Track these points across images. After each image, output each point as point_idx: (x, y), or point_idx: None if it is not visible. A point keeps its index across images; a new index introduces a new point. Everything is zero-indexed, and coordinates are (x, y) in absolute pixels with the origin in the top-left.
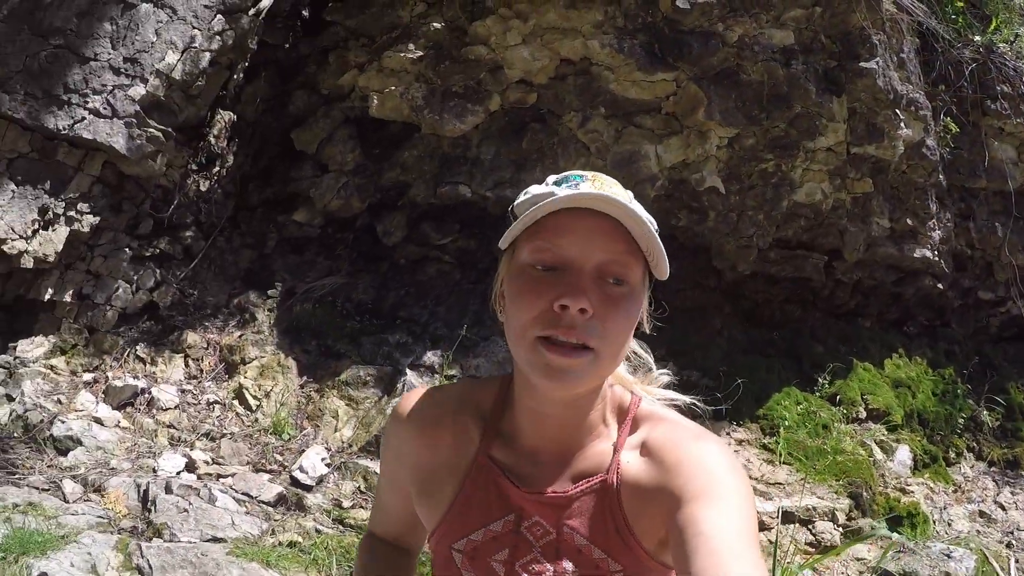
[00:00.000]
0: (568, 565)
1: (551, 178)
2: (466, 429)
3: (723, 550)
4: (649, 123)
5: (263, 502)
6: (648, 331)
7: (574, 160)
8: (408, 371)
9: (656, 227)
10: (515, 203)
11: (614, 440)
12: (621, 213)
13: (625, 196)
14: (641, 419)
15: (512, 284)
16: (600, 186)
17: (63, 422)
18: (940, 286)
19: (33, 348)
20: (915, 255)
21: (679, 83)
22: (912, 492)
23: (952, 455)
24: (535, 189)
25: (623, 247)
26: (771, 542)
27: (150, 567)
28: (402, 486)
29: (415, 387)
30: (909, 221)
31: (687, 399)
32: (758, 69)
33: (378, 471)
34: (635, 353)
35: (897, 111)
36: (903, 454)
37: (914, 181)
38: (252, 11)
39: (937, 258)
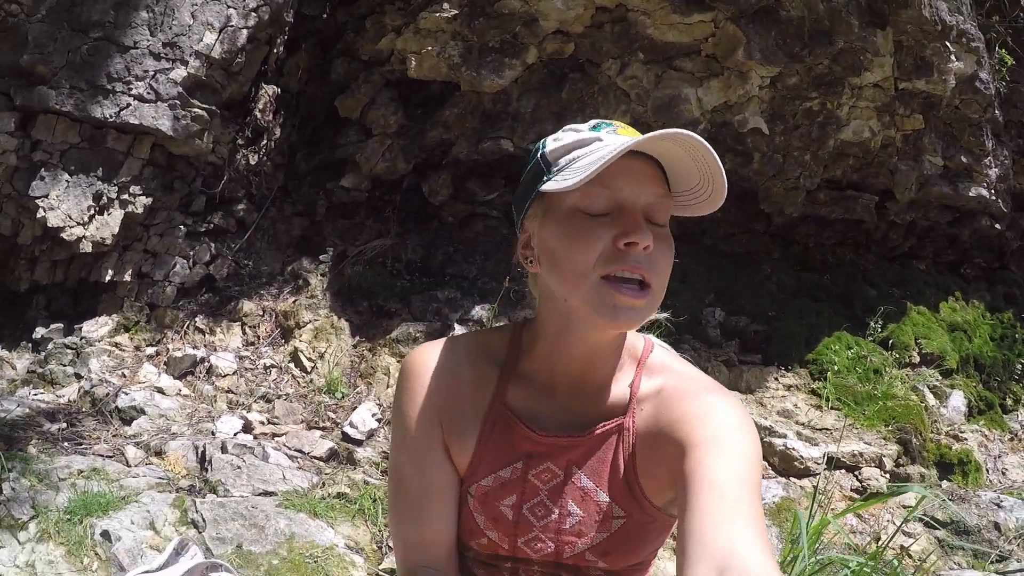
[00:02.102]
0: (573, 507)
1: (581, 126)
2: (483, 375)
3: (722, 495)
4: (689, 66)
5: (315, 457)
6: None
7: (614, 108)
8: (456, 325)
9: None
10: (546, 149)
11: (629, 382)
12: (698, 145)
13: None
14: (656, 367)
15: (561, 228)
16: (629, 133)
17: (127, 394)
18: (998, 226)
19: (98, 328)
20: (970, 194)
21: (717, 23)
22: (965, 439)
23: (1009, 402)
24: (571, 135)
25: (663, 189)
26: (815, 487)
27: (204, 520)
28: (436, 436)
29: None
30: (963, 159)
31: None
32: (797, 4)
33: None
34: None
35: (947, 43)
36: (957, 400)
37: (968, 117)
38: None
39: (994, 197)
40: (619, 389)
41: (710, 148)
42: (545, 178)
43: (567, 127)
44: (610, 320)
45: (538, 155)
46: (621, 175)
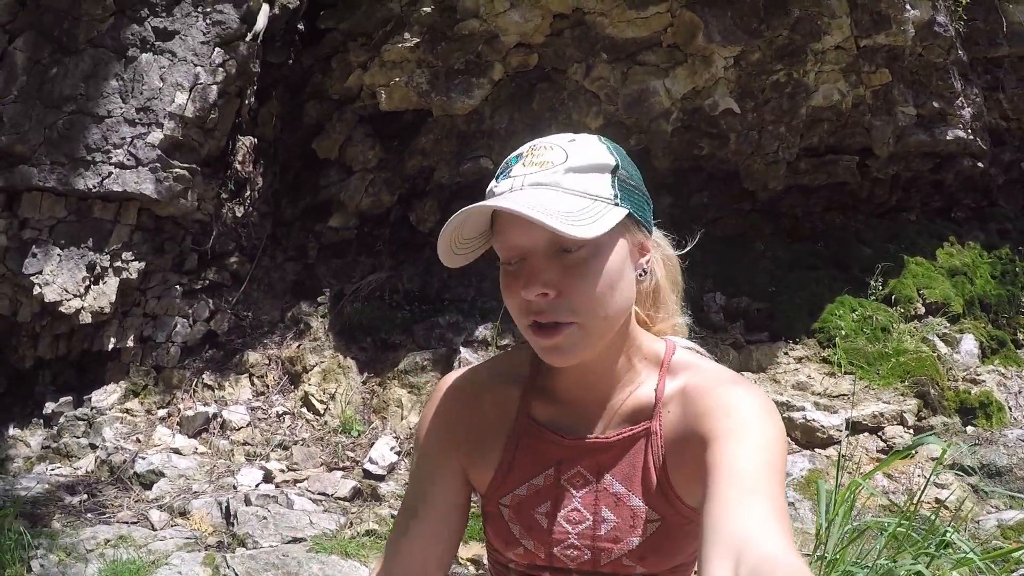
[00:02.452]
0: (607, 513)
1: (499, 168)
2: (506, 394)
3: (740, 482)
4: (652, 59)
5: (339, 498)
6: (676, 252)
7: (586, 111)
8: (462, 348)
9: (610, 165)
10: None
11: (654, 387)
12: (530, 222)
13: (559, 158)
14: (679, 367)
15: (501, 282)
16: (530, 162)
17: (144, 458)
18: (980, 165)
19: (107, 396)
20: (948, 138)
21: (673, 12)
22: (983, 381)
23: (1021, 336)
24: (492, 183)
25: None
26: (842, 455)
27: (236, 575)
28: (450, 457)
29: (471, 363)
30: (935, 104)
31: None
32: None
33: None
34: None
35: None
36: (968, 344)
37: (932, 62)
38: (248, 36)
39: (972, 136)
40: (644, 394)
41: (536, 218)
42: None
43: (505, 160)
44: (547, 360)
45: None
46: (508, 225)
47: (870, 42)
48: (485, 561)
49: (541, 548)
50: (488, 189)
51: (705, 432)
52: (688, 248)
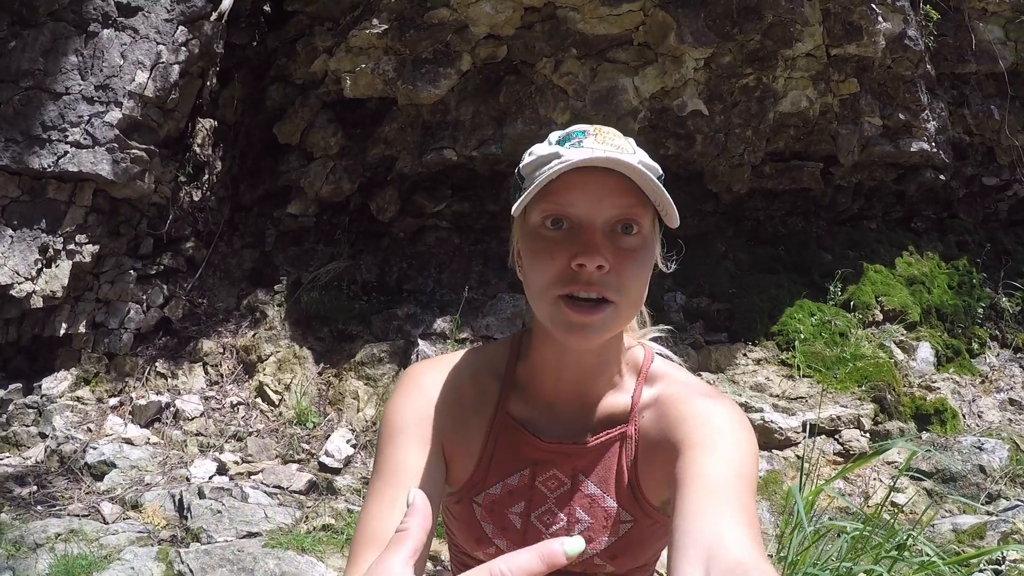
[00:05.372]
0: (581, 514)
1: (554, 136)
2: (484, 388)
3: (714, 490)
4: (623, 56)
5: (294, 492)
6: (667, 270)
7: (553, 106)
8: (420, 341)
9: (661, 175)
10: (520, 165)
11: (631, 393)
12: (626, 172)
13: (629, 147)
14: (656, 376)
15: (527, 246)
16: (603, 140)
17: (95, 448)
18: (942, 177)
19: (57, 384)
20: (912, 149)
21: (645, 11)
22: (938, 388)
23: (975, 346)
24: (539, 149)
25: (631, 200)
26: (799, 457)
27: (191, 571)
28: (433, 444)
29: (429, 356)
30: (901, 116)
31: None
32: None
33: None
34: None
35: (873, 5)
36: (925, 351)
37: (901, 75)
38: (213, 16)
39: (935, 149)
40: (621, 399)
41: (646, 172)
42: (517, 194)
43: (551, 135)
44: (564, 336)
45: (516, 170)
46: (575, 191)
47: (841, 51)
48: (443, 558)
49: (513, 548)
50: (543, 155)
51: (678, 440)
52: (672, 268)
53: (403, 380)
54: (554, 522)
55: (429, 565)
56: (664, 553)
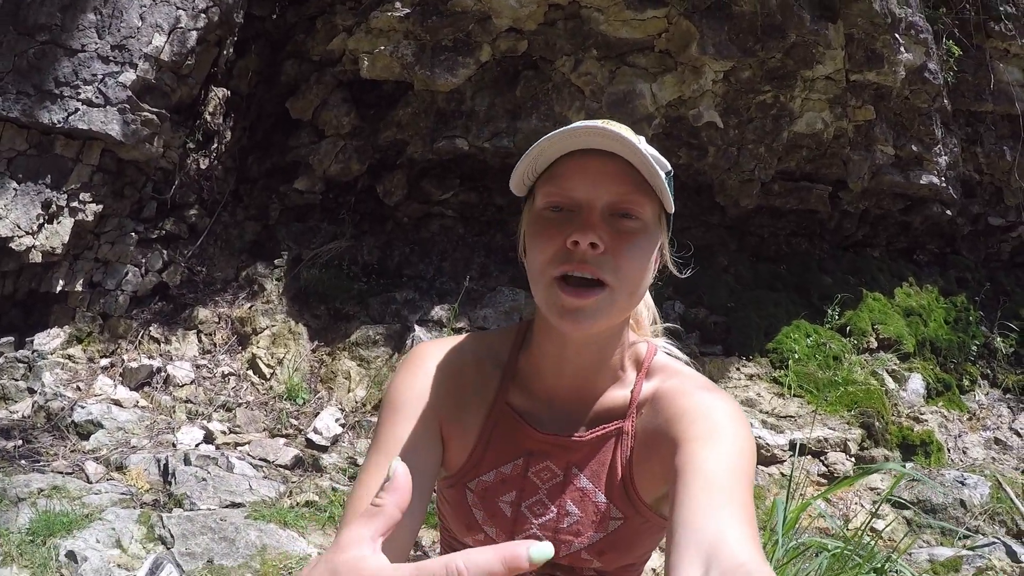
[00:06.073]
0: (571, 507)
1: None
2: (486, 374)
3: (715, 486)
4: (643, 62)
5: (280, 466)
6: (680, 275)
7: (569, 104)
8: (416, 327)
9: (666, 166)
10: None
11: (631, 387)
12: (620, 148)
13: (636, 139)
14: (656, 370)
15: (530, 229)
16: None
17: (83, 407)
18: (949, 213)
19: (50, 340)
20: (922, 182)
21: (670, 19)
22: (926, 420)
23: (966, 383)
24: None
25: (631, 186)
26: (784, 475)
27: (172, 536)
28: (432, 423)
29: (424, 341)
30: (914, 148)
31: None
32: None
33: None
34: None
35: (896, 35)
36: (916, 383)
37: (917, 107)
38: None
39: (944, 184)
40: (621, 393)
41: (640, 149)
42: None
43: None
44: (558, 322)
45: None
46: (576, 173)
47: (860, 77)
48: (423, 543)
49: (502, 536)
50: (547, 135)
51: (676, 434)
52: (688, 274)
53: (408, 358)
54: (544, 513)
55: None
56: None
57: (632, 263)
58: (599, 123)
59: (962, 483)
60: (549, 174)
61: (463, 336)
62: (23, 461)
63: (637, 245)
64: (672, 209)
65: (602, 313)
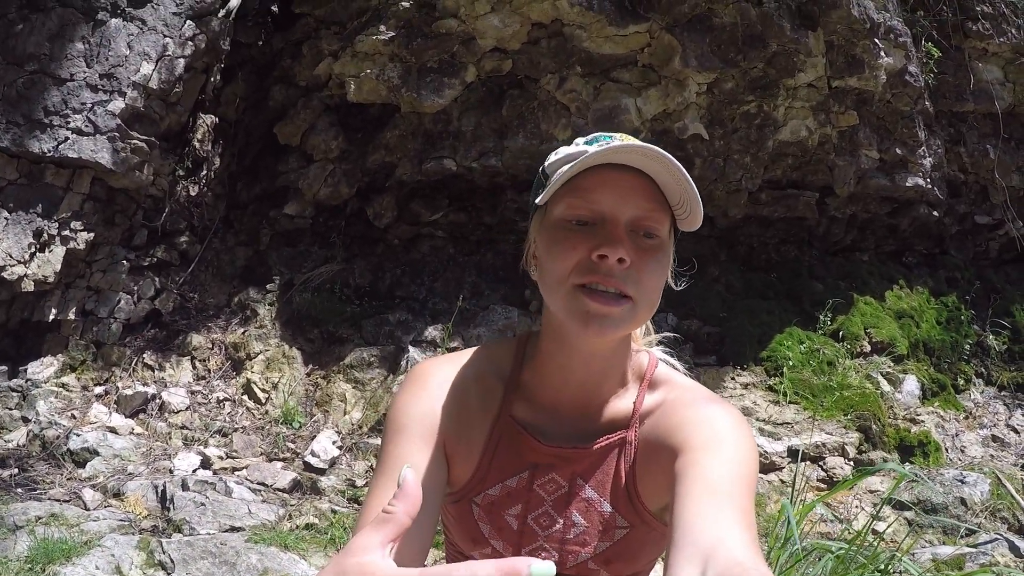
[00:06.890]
0: (577, 518)
1: (580, 139)
2: (489, 389)
3: (716, 491)
4: (626, 77)
5: (278, 489)
6: (676, 287)
7: (555, 122)
8: (410, 348)
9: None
10: (546, 163)
11: (634, 399)
12: (660, 162)
13: (658, 151)
14: (659, 382)
15: (548, 237)
16: (632, 141)
17: (78, 435)
18: (936, 213)
19: (43, 369)
20: (907, 184)
21: (652, 34)
22: (922, 421)
23: (961, 382)
24: (566, 149)
25: (653, 203)
26: (783, 482)
27: (172, 561)
28: (436, 441)
29: (418, 363)
30: (898, 151)
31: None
32: (730, 11)
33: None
34: None
35: (876, 40)
36: (911, 384)
37: (900, 110)
38: (221, 13)
39: (930, 186)
40: (623, 404)
41: (680, 166)
42: (540, 191)
43: (577, 139)
44: (581, 326)
45: (540, 169)
46: (602, 187)
47: (842, 83)
48: (428, 562)
49: (509, 549)
50: (572, 152)
51: (679, 442)
52: (682, 286)
53: (411, 377)
54: (551, 525)
55: None
56: (660, 560)
57: (653, 278)
58: (633, 141)
59: (962, 481)
60: (572, 185)
61: (464, 351)
62: (19, 489)
63: (658, 261)
64: (699, 221)
65: (625, 323)
